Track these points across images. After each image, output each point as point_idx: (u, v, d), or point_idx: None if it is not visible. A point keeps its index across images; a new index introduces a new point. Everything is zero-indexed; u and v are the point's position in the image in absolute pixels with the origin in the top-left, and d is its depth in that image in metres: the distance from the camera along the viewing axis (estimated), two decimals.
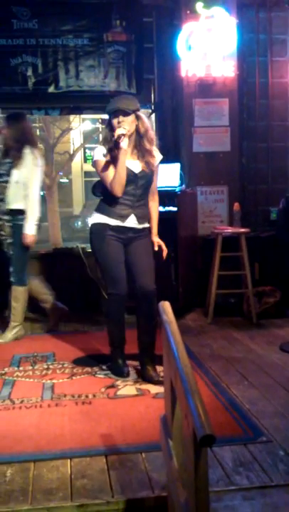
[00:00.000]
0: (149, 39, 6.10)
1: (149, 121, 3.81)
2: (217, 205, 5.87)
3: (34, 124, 20.78)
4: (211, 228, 5.62)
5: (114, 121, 3.64)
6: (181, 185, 5.66)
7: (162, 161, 3.88)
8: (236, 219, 5.46)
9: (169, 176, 5.52)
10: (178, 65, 5.76)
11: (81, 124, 22.92)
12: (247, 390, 3.53)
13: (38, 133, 21.90)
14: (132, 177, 3.66)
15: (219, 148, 5.83)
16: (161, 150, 4.18)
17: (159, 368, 3.67)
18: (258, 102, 6.02)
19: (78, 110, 6.75)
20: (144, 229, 3.81)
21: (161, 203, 3.91)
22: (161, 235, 3.91)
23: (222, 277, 5.25)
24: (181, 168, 5.68)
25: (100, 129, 20.86)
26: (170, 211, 5.27)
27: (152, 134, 3.77)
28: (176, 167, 5.62)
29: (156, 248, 3.83)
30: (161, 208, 3.90)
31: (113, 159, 3.64)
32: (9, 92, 5.89)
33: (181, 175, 5.65)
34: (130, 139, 3.66)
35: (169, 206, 5.31)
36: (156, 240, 3.87)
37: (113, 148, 3.62)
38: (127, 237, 3.75)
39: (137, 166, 3.69)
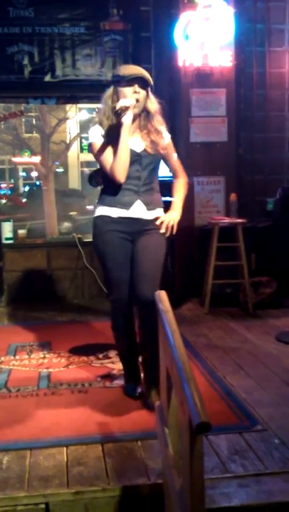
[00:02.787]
0: (146, 28, 6.07)
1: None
2: (214, 195, 5.87)
3: (30, 114, 20.74)
4: (207, 218, 5.62)
5: (127, 90, 3.04)
6: None
7: None
8: (233, 209, 5.46)
9: (165, 166, 5.52)
10: (175, 55, 5.74)
11: (77, 114, 22.84)
12: (243, 380, 3.55)
13: (34, 122, 21.88)
14: (135, 156, 3.09)
15: (216, 139, 5.82)
16: None
17: None
18: (256, 92, 6.01)
19: (75, 99, 6.73)
20: (155, 219, 3.20)
21: None
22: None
23: (218, 267, 5.26)
24: (178, 158, 5.65)
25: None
26: (166, 201, 5.26)
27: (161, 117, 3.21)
28: None
29: (158, 224, 3.17)
30: None
31: (112, 139, 3.06)
32: (5, 81, 5.87)
33: None
34: (137, 117, 3.13)
35: (165, 196, 5.29)
36: (167, 216, 3.22)
37: (113, 126, 3.06)
38: (134, 231, 3.16)
39: (139, 145, 3.13)
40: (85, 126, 23.54)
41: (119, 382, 3.52)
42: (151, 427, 2.47)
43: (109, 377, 3.63)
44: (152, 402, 2.95)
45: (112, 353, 4.02)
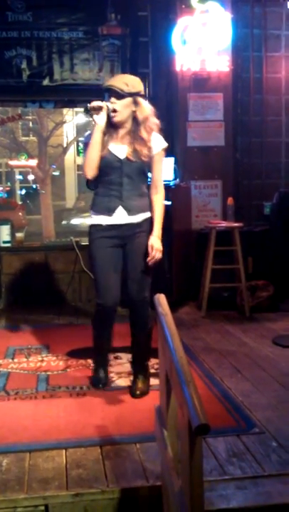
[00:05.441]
0: (144, 33, 6.09)
1: (150, 107, 3.31)
2: (211, 199, 5.90)
3: (27, 117, 20.75)
4: (204, 222, 5.65)
5: (110, 99, 3.24)
6: (175, 179, 5.67)
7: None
8: (230, 213, 5.49)
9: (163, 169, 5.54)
10: (173, 59, 5.78)
11: (74, 117, 22.87)
12: (240, 383, 3.57)
13: (31, 125, 21.89)
14: (116, 163, 3.23)
15: (213, 143, 5.86)
16: None
17: (154, 360, 3.71)
18: (252, 97, 6.05)
19: (73, 103, 6.75)
20: (143, 223, 3.31)
21: None
22: None
23: (215, 271, 5.28)
24: (175, 163, 5.69)
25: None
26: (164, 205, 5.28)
27: (154, 121, 3.30)
28: (170, 161, 5.63)
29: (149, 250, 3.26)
30: None
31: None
32: (3, 85, 5.88)
33: (175, 169, 5.67)
34: (124, 125, 3.25)
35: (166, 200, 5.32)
36: (151, 242, 3.27)
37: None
38: (123, 236, 3.29)
39: (122, 152, 3.25)
40: (81, 130, 23.59)
41: (118, 384, 3.54)
42: (150, 429, 2.49)
43: None
44: (133, 388, 3.39)
45: (110, 356, 4.03)
